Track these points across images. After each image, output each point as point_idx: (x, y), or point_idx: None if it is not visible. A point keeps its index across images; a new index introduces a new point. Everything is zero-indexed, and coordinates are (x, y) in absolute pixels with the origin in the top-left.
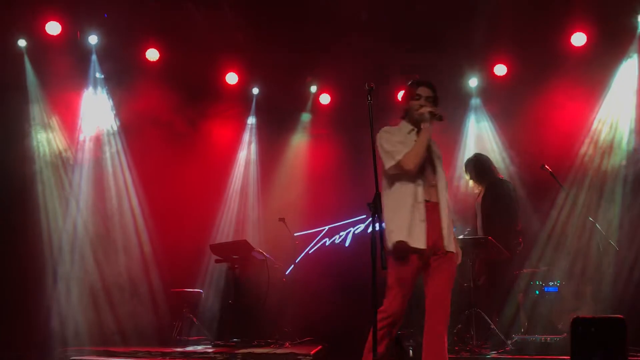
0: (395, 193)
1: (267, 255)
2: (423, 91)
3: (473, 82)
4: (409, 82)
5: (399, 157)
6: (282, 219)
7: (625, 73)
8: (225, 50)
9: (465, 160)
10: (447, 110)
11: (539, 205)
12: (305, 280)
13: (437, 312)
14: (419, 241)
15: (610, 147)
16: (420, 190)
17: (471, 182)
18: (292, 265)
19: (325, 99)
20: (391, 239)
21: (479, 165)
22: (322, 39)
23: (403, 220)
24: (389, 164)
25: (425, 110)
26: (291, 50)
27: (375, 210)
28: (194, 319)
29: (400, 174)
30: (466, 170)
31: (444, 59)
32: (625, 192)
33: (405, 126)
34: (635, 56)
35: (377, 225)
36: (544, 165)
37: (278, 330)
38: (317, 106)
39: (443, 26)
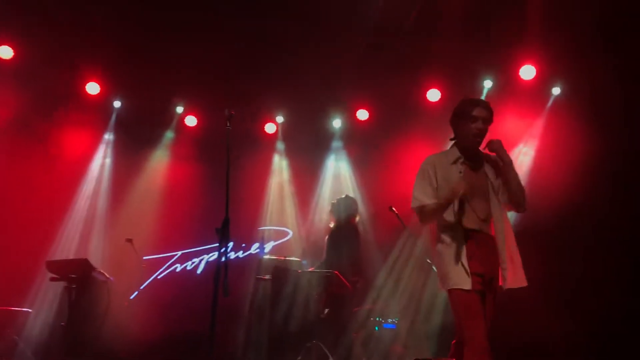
0: (440, 233)
1: (109, 277)
2: (480, 112)
3: (337, 123)
4: (461, 102)
5: (417, 204)
6: (129, 240)
7: None
8: (89, 58)
9: (332, 200)
10: (310, 148)
11: (384, 245)
12: (151, 306)
13: None
14: (465, 282)
15: None
16: (462, 229)
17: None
18: (138, 290)
19: (191, 121)
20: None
21: (343, 205)
22: (193, 62)
23: (449, 263)
24: (412, 205)
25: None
26: (160, 68)
27: (223, 236)
28: (19, 341)
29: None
30: (334, 208)
31: (309, 96)
32: None
33: (453, 153)
34: None
35: (223, 252)
36: (392, 208)
37: (113, 356)
38: (182, 127)
39: (310, 65)
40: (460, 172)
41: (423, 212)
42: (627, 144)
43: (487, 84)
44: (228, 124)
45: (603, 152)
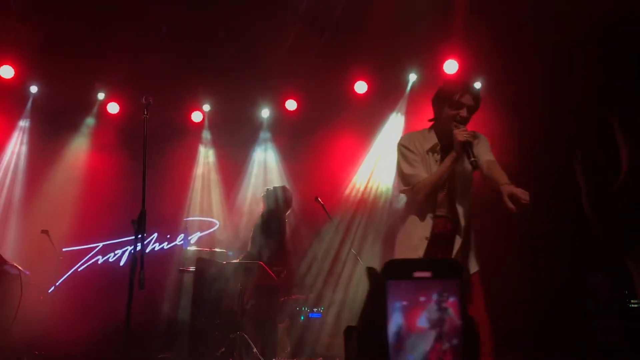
0: (406, 224)
1: (24, 270)
2: (467, 100)
3: (265, 112)
4: (449, 83)
5: (415, 180)
6: (45, 232)
7: (393, 124)
8: (2, 39)
9: (267, 188)
10: (237, 137)
11: (311, 235)
12: (70, 300)
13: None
14: None
15: (373, 189)
16: (429, 223)
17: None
18: (55, 284)
19: (113, 108)
20: None
21: (275, 196)
22: (117, 47)
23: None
24: (401, 186)
25: (463, 136)
26: (81, 52)
27: (139, 228)
28: None
29: (413, 200)
30: (273, 194)
31: (237, 85)
32: (381, 229)
33: (430, 138)
34: (403, 110)
35: (139, 244)
36: (318, 198)
37: (27, 354)
38: (103, 114)
39: (239, 53)
40: (437, 162)
41: (424, 186)
42: (543, 139)
43: (412, 77)
44: (145, 112)
45: (521, 146)
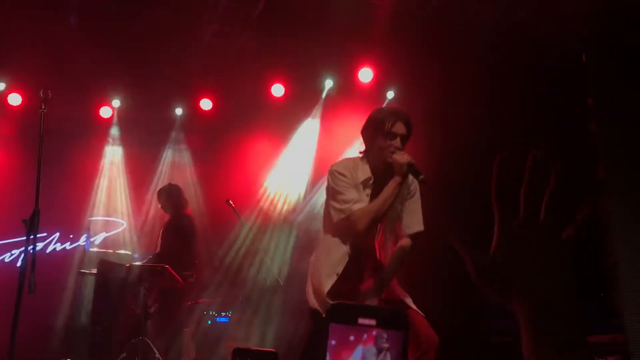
0: (326, 243)
1: None
2: (399, 129)
3: (179, 111)
4: (379, 112)
5: (354, 207)
6: None
7: (308, 129)
8: None
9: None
10: (148, 135)
11: (221, 238)
12: None
13: None
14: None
15: (285, 194)
16: (350, 249)
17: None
18: None
19: (15, 99)
20: (308, 298)
21: (167, 195)
22: (22, 34)
23: (319, 281)
24: (338, 215)
25: (405, 160)
26: None
27: (31, 228)
28: None
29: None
30: (158, 198)
31: (150, 80)
32: (293, 233)
33: (363, 170)
34: (318, 116)
35: (30, 245)
36: (229, 201)
37: None
38: (4, 106)
39: (153, 47)
40: (367, 196)
41: (363, 214)
42: (460, 149)
43: (329, 83)
44: (43, 107)
45: (428, 152)
